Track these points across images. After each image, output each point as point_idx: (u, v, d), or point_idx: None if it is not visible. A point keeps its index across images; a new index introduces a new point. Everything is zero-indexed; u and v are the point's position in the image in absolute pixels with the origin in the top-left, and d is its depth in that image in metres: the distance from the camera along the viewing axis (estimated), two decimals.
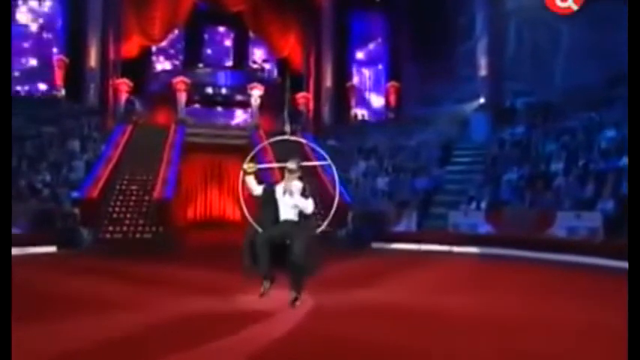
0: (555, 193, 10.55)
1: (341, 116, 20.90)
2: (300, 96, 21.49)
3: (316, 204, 13.59)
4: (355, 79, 21.73)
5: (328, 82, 21.13)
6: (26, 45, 18.94)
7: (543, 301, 5.44)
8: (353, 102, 21.24)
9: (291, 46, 22.35)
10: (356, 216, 12.71)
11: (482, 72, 18.03)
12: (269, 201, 4.86)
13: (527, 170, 11.88)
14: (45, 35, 19.16)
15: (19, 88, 18.55)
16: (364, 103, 21.90)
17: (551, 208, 9.95)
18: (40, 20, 19.15)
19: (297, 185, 4.75)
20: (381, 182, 14.06)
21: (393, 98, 20.82)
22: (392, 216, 12.31)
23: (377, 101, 21.90)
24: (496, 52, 17.95)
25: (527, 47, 17.31)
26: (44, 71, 18.72)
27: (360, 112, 21.41)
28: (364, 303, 5.08)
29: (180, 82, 19.27)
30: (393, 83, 20.99)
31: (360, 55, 22.18)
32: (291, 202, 4.73)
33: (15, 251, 9.42)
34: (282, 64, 22.76)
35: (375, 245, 11.37)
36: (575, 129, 12.68)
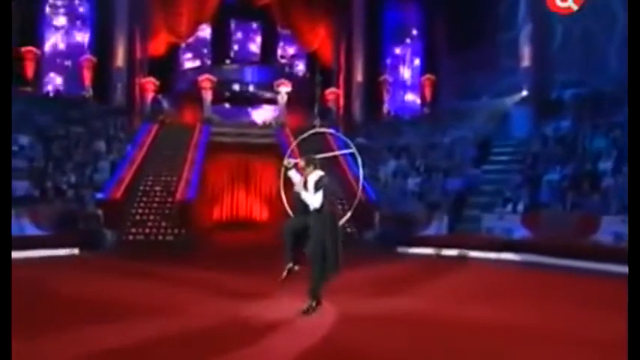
0: (602, 195, 9.99)
1: (372, 113, 20.67)
2: (330, 92, 21.41)
3: (342, 203, 13.55)
4: (388, 73, 21.40)
5: (359, 76, 20.95)
6: (61, 46, 19.77)
7: (577, 316, 5.17)
8: (385, 97, 20.96)
9: (321, 40, 22.31)
10: (383, 217, 12.54)
11: (525, 62, 17.38)
12: None
13: (571, 169, 11.32)
14: (75, 35, 19.98)
15: (50, 87, 19.42)
16: (397, 98, 21.56)
17: (596, 212, 9.42)
18: (71, 20, 19.96)
19: (313, 178, 5.05)
20: (412, 182, 13.79)
21: (428, 92, 20.43)
22: (422, 218, 12.05)
23: (411, 96, 21.51)
24: (541, 40, 17.22)
25: (577, 32, 16.48)
26: (74, 71, 19.55)
27: (393, 108, 21.09)
28: (386, 311, 5.14)
29: (205, 79, 19.61)
30: (428, 76, 20.60)
31: (393, 47, 21.83)
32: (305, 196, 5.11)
33: (37, 253, 9.96)
34: (312, 59, 22.75)
35: (402, 249, 11.15)
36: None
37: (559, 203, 10.45)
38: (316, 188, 4.97)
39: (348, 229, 13.15)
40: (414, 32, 21.63)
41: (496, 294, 6.48)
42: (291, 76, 21.72)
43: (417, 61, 21.50)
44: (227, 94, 21.38)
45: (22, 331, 3.89)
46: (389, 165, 15.25)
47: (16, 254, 9.36)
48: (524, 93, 16.71)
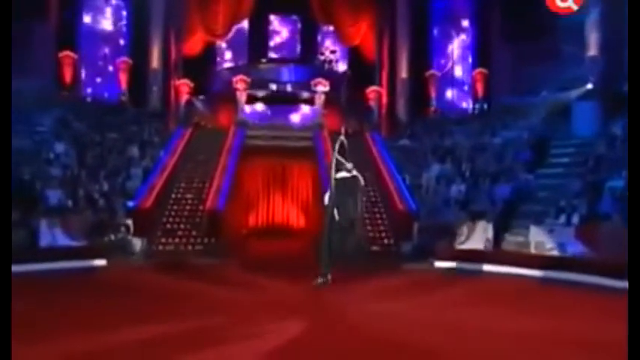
0: None
1: (418, 111, 20.31)
2: (371, 90, 21.20)
3: (380, 213, 13.48)
4: (435, 68, 20.90)
5: (403, 72, 20.61)
6: (97, 49, 20.85)
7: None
8: (433, 94, 20.52)
9: (363, 34, 22.11)
10: (423, 228, 12.29)
11: (592, 51, 16.50)
12: None
13: None
14: (112, 38, 21.01)
15: (87, 92, 20.51)
16: (445, 95, 21.01)
17: None
18: (108, 23, 21.02)
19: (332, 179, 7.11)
20: (455, 189, 13.41)
21: (479, 88, 19.80)
22: (464, 229, 11.68)
23: (461, 92, 20.89)
24: (612, 25, 16.21)
25: None
26: (110, 75, 20.57)
27: (440, 106, 20.58)
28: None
29: (240, 80, 19.90)
30: (480, 70, 19.98)
31: (441, 39, 21.25)
32: None
33: (63, 264, 10.57)
34: (351, 58, 22.68)
35: (440, 264, 10.90)
36: None
37: (620, 215, 9.78)
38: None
39: (385, 241, 13.02)
40: (465, 22, 20.96)
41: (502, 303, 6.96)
42: (330, 74, 21.59)
43: (467, 54, 20.85)
44: (262, 95, 21.53)
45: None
46: (432, 169, 14.90)
47: (48, 265, 10.17)
48: (590, 86, 15.87)
